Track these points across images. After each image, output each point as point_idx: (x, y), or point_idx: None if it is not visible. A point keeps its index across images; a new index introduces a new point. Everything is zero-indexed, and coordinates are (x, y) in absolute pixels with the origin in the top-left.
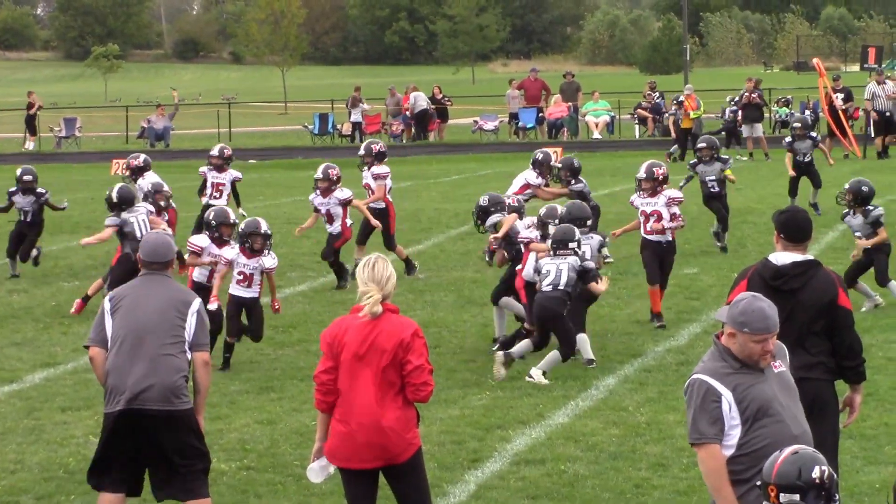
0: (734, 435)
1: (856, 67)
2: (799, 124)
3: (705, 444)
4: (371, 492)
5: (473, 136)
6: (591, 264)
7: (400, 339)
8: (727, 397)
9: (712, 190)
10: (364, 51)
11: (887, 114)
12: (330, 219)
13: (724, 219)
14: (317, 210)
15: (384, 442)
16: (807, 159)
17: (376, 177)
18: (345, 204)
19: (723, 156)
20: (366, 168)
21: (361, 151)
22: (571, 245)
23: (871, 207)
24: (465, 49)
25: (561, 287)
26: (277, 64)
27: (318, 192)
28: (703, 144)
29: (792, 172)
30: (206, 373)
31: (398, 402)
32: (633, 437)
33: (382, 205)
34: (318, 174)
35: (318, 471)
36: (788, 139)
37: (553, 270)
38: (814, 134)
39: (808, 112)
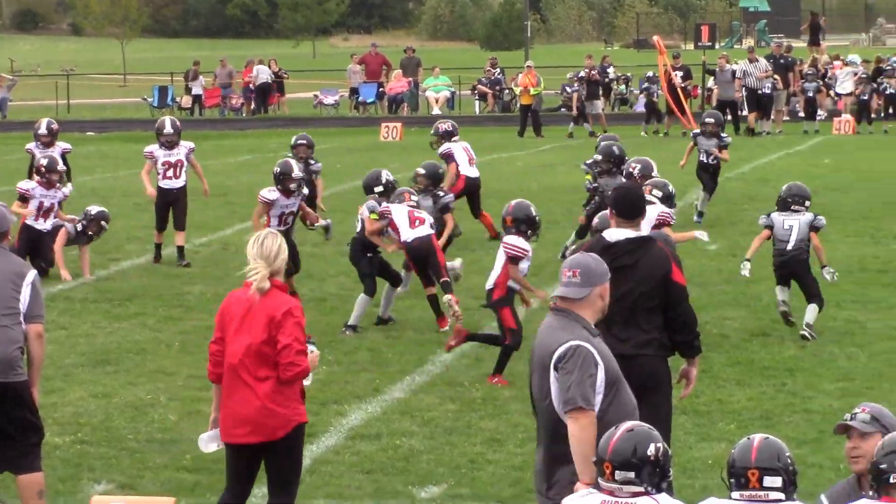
0: (596, 404)
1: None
2: (711, 119)
3: (588, 411)
4: (250, 468)
5: (314, 110)
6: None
7: (271, 317)
8: (601, 365)
9: (705, 161)
10: (205, 24)
11: (759, 91)
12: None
13: (710, 190)
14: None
15: (260, 418)
16: (712, 161)
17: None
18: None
19: (723, 135)
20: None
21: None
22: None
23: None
24: (306, 23)
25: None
26: (117, 36)
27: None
28: (711, 120)
29: (683, 162)
30: (40, 345)
31: (272, 379)
32: (468, 412)
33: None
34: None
35: (207, 440)
36: (697, 131)
37: None
38: (724, 135)
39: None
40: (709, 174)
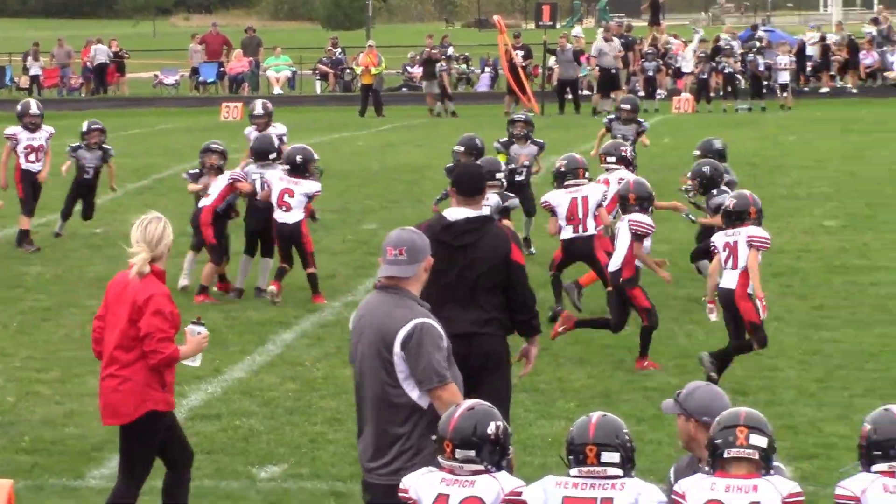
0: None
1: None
2: (628, 105)
3: (448, 384)
4: (121, 449)
5: (154, 90)
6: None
7: (134, 302)
8: (445, 339)
9: None
10: (43, 3)
11: (612, 71)
12: None
13: None
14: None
15: (111, 401)
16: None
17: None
18: None
19: (640, 119)
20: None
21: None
22: None
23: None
24: (145, 2)
25: None
26: None
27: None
28: (627, 105)
29: (595, 151)
30: None
31: (132, 363)
32: (309, 391)
33: None
34: (258, 110)
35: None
36: (610, 117)
37: None
38: (642, 120)
39: (488, 69)
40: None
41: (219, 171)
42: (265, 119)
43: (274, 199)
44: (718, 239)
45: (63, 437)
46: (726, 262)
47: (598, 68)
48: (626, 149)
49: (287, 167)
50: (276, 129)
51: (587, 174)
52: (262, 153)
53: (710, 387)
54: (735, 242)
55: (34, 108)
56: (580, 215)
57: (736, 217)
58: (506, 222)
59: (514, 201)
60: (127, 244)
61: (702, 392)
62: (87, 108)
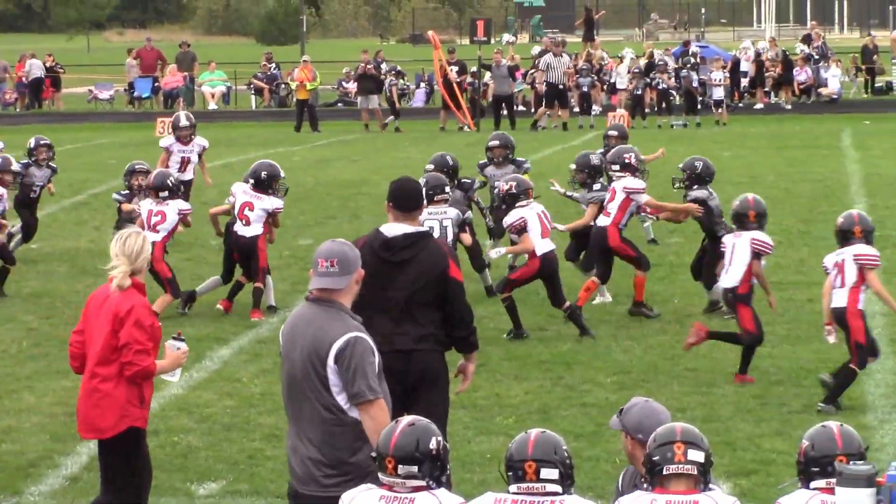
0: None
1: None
2: (615, 132)
3: (378, 399)
4: (103, 463)
5: (89, 105)
6: None
7: (115, 314)
8: (377, 354)
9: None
10: None
11: (560, 86)
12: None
13: None
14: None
15: (89, 414)
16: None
17: None
18: None
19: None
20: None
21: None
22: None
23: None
24: (79, 17)
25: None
26: None
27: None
28: (615, 133)
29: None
30: None
31: (114, 377)
32: (247, 407)
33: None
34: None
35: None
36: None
37: None
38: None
39: (423, 84)
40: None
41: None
42: (190, 131)
43: (235, 212)
44: (828, 260)
45: (0, 454)
46: (834, 281)
47: (545, 83)
48: (630, 156)
49: (252, 182)
50: (198, 142)
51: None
52: (157, 188)
53: (649, 403)
54: (843, 261)
55: (184, 120)
56: (549, 228)
57: (842, 237)
58: (464, 236)
59: (470, 215)
60: (62, 261)
61: (638, 409)
62: (22, 122)
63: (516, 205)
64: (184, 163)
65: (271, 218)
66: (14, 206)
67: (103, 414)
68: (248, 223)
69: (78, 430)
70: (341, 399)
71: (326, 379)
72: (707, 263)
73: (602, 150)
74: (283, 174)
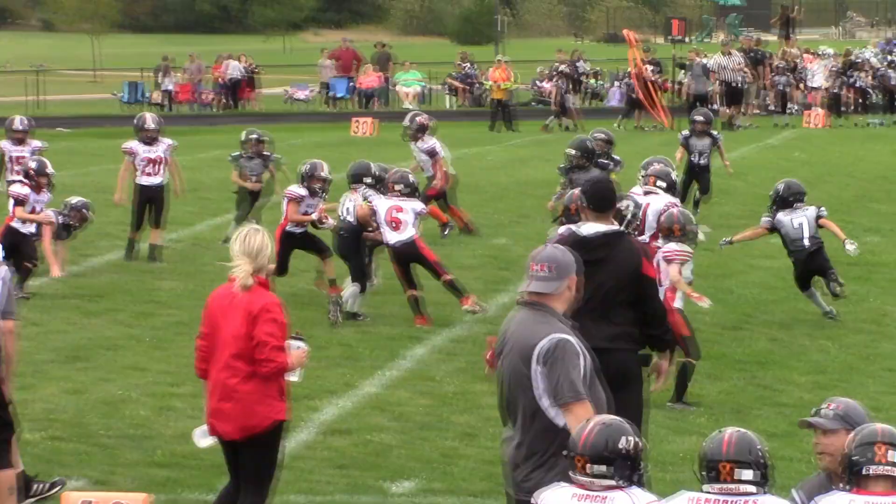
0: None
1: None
2: (701, 118)
3: (583, 401)
4: (245, 461)
5: (286, 105)
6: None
7: (249, 312)
8: (583, 356)
9: (696, 162)
10: (175, 19)
11: (733, 84)
12: None
13: (705, 190)
14: None
15: (237, 414)
16: (702, 161)
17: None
18: None
19: (714, 132)
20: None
21: (406, 122)
22: None
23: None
24: (277, 18)
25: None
26: (88, 32)
27: None
28: (700, 118)
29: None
30: (12, 341)
31: (252, 375)
32: (441, 406)
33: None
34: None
35: (200, 435)
36: (685, 133)
37: None
38: (715, 132)
39: (617, 84)
40: (704, 175)
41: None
42: (156, 133)
43: (383, 220)
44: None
45: (196, 451)
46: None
47: (720, 83)
48: (674, 173)
49: (401, 187)
50: (166, 142)
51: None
52: (357, 176)
53: (852, 401)
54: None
55: (149, 122)
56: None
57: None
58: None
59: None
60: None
61: (856, 405)
62: (220, 123)
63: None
64: (153, 164)
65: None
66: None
67: (251, 411)
68: (399, 225)
69: (219, 431)
70: (545, 402)
71: (531, 380)
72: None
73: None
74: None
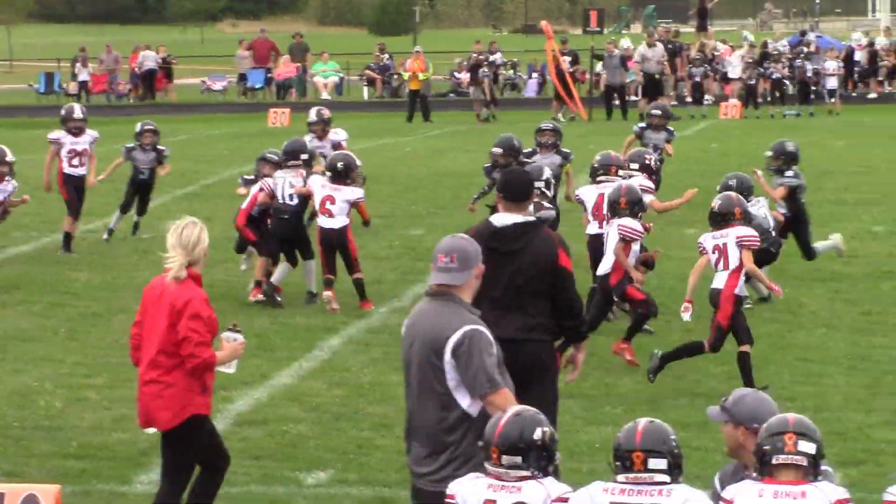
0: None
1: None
2: (658, 111)
3: (501, 389)
4: (164, 454)
5: (202, 96)
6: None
7: (172, 306)
8: (495, 345)
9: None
10: (92, 9)
11: (656, 76)
12: None
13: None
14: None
15: (151, 407)
16: (658, 156)
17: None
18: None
19: (669, 127)
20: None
21: (313, 118)
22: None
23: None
24: (194, 8)
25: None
26: (2, 21)
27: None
28: (658, 112)
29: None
30: None
31: (175, 369)
32: (356, 397)
33: None
34: (312, 117)
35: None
36: (641, 125)
37: None
38: (671, 128)
39: (535, 75)
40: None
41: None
42: (321, 126)
43: (316, 206)
44: (707, 241)
45: (111, 443)
46: (717, 263)
47: (642, 74)
48: (651, 157)
49: (329, 174)
50: (337, 135)
51: (620, 172)
52: (294, 153)
53: (758, 393)
54: (724, 245)
55: (77, 112)
56: (605, 212)
57: (721, 219)
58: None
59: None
60: None
61: (750, 399)
62: (135, 113)
63: (596, 179)
64: (78, 155)
65: (355, 207)
66: (128, 186)
67: (165, 405)
68: (330, 216)
69: (138, 422)
70: (459, 394)
71: (444, 373)
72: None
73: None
74: (359, 163)
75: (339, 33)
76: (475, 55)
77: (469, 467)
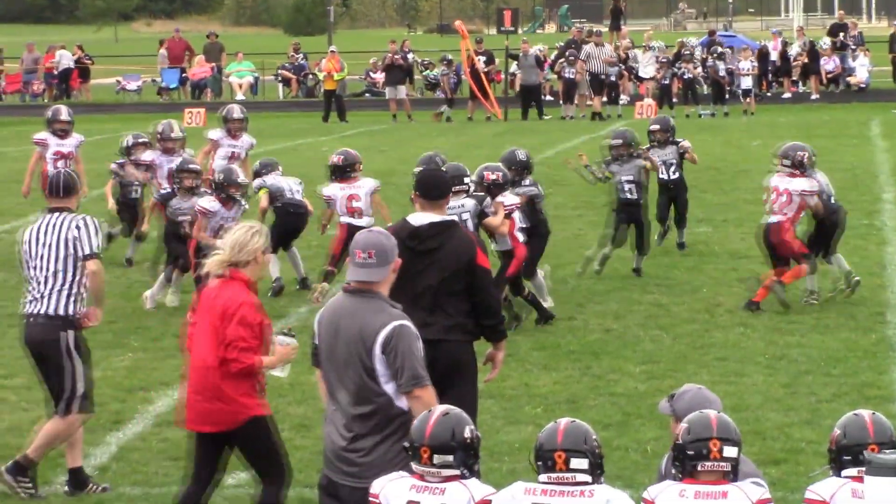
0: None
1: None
2: (657, 126)
3: (427, 386)
4: (209, 456)
5: (117, 96)
6: None
7: (223, 309)
8: (420, 340)
9: (666, 178)
10: (3, 8)
11: (602, 76)
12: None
13: (683, 212)
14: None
15: (210, 407)
16: (673, 174)
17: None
18: None
19: (675, 139)
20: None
21: (238, 115)
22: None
23: None
24: (106, 7)
25: None
26: None
27: None
28: (657, 126)
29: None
30: None
31: (225, 371)
32: (275, 398)
33: None
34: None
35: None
36: (644, 147)
37: None
38: (680, 139)
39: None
40: (674, 191)
41: (191, 191)
42: (243, 125)
43: (340, 208)
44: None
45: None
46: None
47: (587, 73)
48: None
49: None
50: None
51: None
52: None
53: (702, 391)
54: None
55: (64, 114)
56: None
57: None
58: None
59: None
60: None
61: (691, 396)
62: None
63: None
64: (63, 158)
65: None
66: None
67: (222, 406)
68: (360, 215)
69: (187, 424)
70: (389, 388)
71: (373, 370)
72: (820, 240)
73: (647, 146)
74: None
75: (253, 33)
76: (391, 55)
77: (398, 463)
